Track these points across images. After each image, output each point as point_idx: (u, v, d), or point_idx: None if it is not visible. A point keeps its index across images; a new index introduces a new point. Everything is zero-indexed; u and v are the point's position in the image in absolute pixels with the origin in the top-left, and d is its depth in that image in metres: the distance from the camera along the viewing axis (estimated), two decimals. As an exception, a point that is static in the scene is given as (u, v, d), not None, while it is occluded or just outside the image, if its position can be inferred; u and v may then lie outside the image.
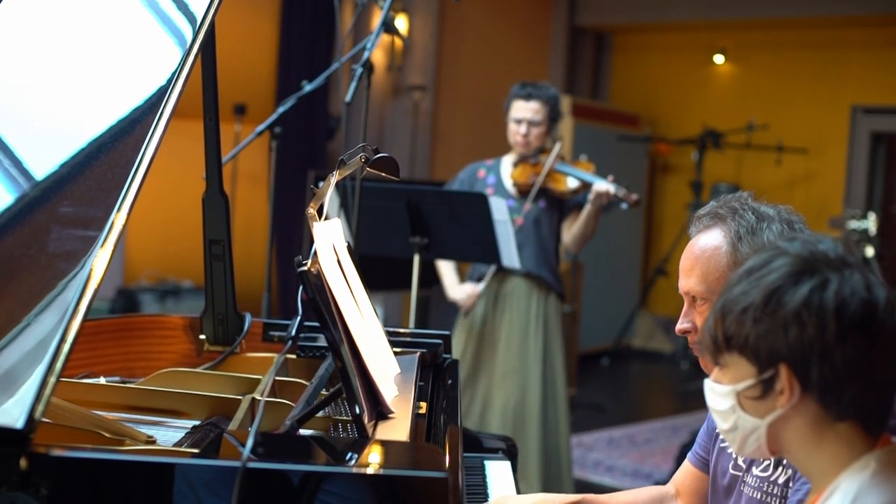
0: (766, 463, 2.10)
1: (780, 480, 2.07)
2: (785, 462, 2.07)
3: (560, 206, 4.66)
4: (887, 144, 10.19)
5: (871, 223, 8.97)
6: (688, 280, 2.13)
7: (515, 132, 4.65)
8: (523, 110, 4.62)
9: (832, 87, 10.02)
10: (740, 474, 2.19)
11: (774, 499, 2.07)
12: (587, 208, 4.51)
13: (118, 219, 1.93)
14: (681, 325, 2.17)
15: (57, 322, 1.82)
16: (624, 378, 9.80)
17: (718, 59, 10.65)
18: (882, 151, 10.15)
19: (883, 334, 1.52)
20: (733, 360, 1.60)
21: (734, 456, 2.22)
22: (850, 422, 1.56)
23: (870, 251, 9.03)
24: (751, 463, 2.16)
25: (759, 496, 2.11)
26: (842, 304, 1.51)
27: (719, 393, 1.64)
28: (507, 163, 4.73)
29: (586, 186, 4.51)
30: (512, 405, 4.59)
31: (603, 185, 4.43)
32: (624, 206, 4.53)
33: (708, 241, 2.12)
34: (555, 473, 4.58)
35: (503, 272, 4.66)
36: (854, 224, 8.98)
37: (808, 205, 10.10)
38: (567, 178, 4.55)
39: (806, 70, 10.17)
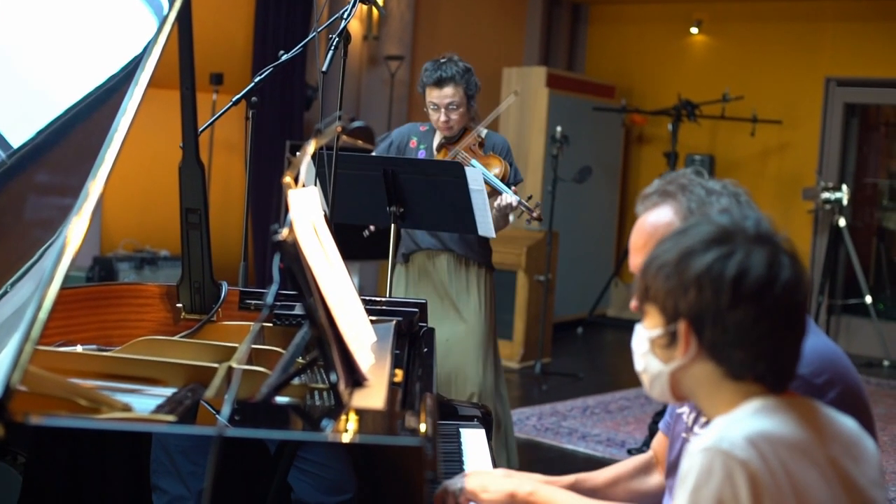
0: (704, 420, 2.15)
1: None
2: None
3: None
4: (861, 116, 10.24)
5: (844, 194, 9.03)
6: (641, 257, 2.15)
7: (435, 119, 4.53)
8: (438, 97, 4.48)
9: (807, 59, 10.05)
10: (688, 436, 2.23)
11: None
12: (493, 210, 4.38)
13: (94, 187, 1.93)
14: (636, 301, 2.19)
15: (33, 290, 1.83)
16: (598, 347, 9.85)
17: (694, 30, 10.66)
18: (855, 123, 10.19)
19: (776, 309, 1.66)
20: (650, 309, 1.76)
21: (686, 420, 2.26)
22: (748, 380, 1.70)
23: (842, 222, 9.10)
24: (694, 423, 2.21)
25: None
26: (740, 275, 1.65)
27: (640, 337, 1.81)
28: (436, 140, 4.65)
29: (491, 190, 4.37)
30: (448, 373, 4.59)
31: (507, 199, 4.34)
32: (528, 221, 4.48)
33: (659, 218, 2.13)
34: None
35: (431, 250, 4.66)
36: (827, 195, 9.04)
37: (782, 176, 10.14)
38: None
39: (781, 42, 10.19)
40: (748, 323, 1.64)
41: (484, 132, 4.61)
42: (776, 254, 1.67)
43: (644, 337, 1.79)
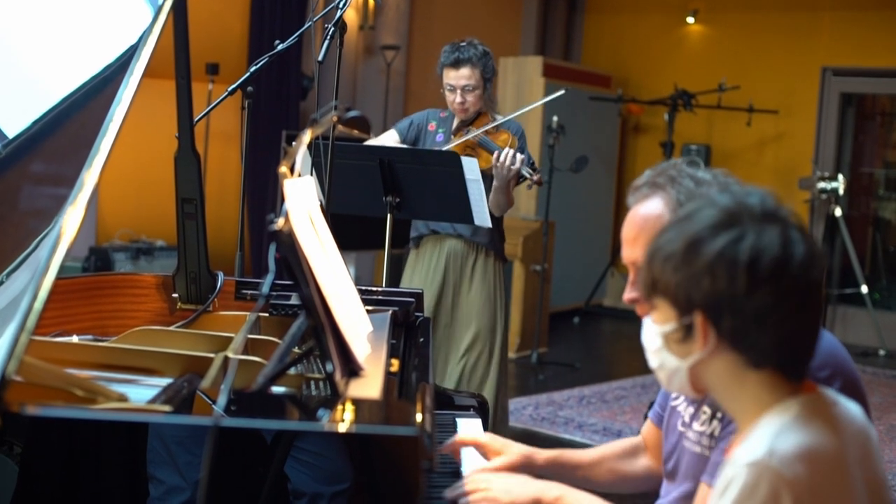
0: (704, 417, 2.15)
1: (716, 433, 2.12)
2: (719, 415, 2.12)
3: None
4: (857, 106, 10.23)
5: (840, 184, 9.03)
6: (633, 249, 2.15)
7: (451, 101, 4.55)
8: (454, 78, 4.50)
9: (803, 48, 10.04)
10: (685, 430, 2.23)
11: (711, 451, 2.12)
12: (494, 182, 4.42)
13: (90, 177, 1.92)
14: (629, 294, 2.18)
15: (28, 280, 1.82)
16: (595, 336, 9.85)
17: (690, 19, 10.65)
18: (852, 113, 10.18)
19: (795, 290, 1.59)
20: (660, 303, 1.68)
21: (682, 414, 2.26)
22: (769, 369, 1.63)
23: (838, 211, 9.10)
24: (692, 419, 2.21)
25: (698, 450, 2.16)
26: (754, 258, 1.57)
27: (652, 332, 1.73)
28: (454, 125, 4.67)
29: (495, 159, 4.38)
30: (445, 359, 4.60)
31: (507, 155, 4.31)
32: (529, 187, 4.48)
33: (650, 210, 2.13)
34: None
35: (440, 234, 4.66)
36: (823, 185, 9.04)
37: (778, 166, 10.14)
38: (488, 156, 4.44)
39: (777, 31, 10.18)
40: (767, 307, 1.57)
41: (500, 117, 4.60)
42: (787, 230, 1.60)
43: (656, 333, 1.71)
